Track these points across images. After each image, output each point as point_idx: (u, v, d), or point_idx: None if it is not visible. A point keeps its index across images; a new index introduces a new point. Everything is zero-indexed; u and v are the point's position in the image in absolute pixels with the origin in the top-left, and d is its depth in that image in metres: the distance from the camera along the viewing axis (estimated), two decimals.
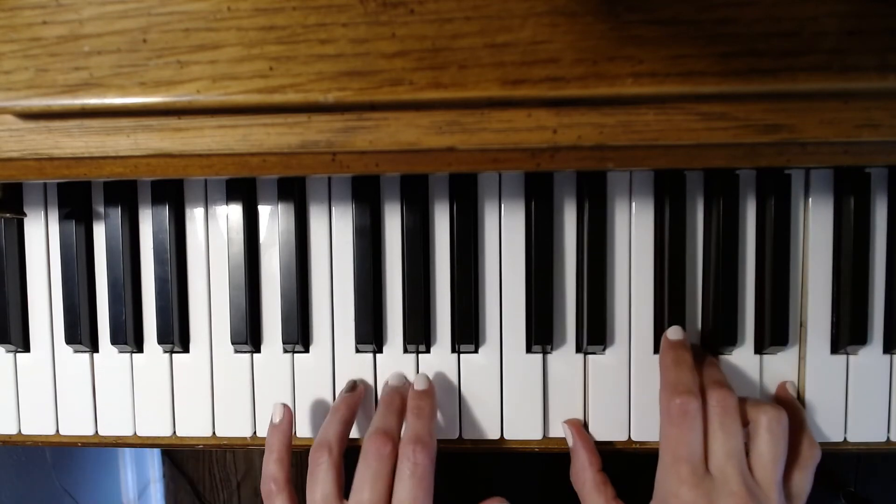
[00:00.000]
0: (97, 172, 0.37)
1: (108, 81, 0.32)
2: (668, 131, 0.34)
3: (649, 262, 0.44)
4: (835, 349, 0.44)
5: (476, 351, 0.45)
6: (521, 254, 0.45)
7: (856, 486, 0.90)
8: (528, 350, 0.45)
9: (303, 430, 0.46)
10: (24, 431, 0.48)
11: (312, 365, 0.46)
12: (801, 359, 0.45)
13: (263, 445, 0.44)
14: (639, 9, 0.31)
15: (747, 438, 0.39)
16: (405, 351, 0.46)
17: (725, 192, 0.43)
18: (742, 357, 0.45)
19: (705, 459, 0.38)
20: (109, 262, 0.46)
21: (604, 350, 0.45)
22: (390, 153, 0.36)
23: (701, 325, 0.45)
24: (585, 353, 0.45)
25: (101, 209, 0.46)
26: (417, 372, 0.46)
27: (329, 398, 0.46)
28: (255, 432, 0.47)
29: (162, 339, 0.46)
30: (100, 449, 1.07)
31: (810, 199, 0.44)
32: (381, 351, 0.46)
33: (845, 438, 0.45)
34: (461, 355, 0.45)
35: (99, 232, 0.47)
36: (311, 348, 0.46)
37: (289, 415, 0.43)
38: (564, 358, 0.45)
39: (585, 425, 0.45)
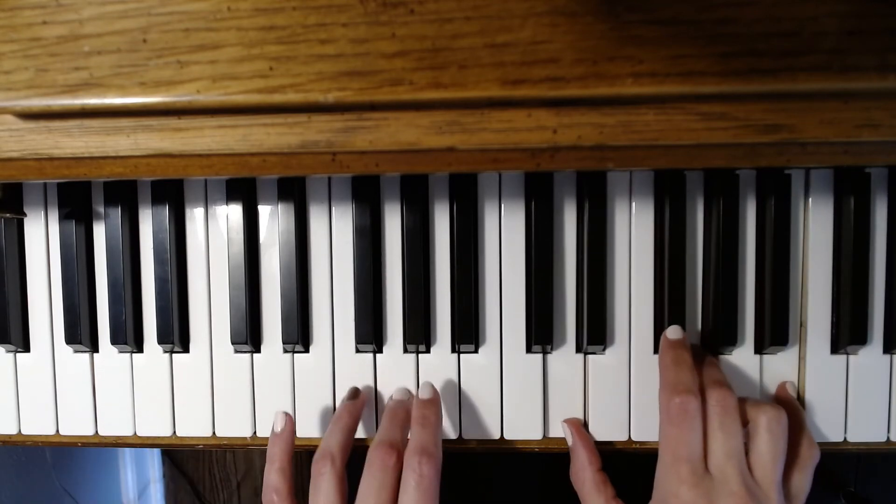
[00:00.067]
0: (97, 172, 0.37)
1: (108, 81, 0.32)
2: (668, 131, 0.34)
3: (649, 261, 0.44)
4: (835, 349, 0.44)
5: (476, 351, 0.45)
6: (521, 254, 0.45)
7: (856, 486, 0.90)
8: (528, 350, 0.45)
9: (303, 430, 0.46)
10: (24, 431, 0.48)
11: (312, 365, 0.46)
12: (801, 359, 0.45)
13: (264, 445, 0.44)
14: (639, 9, 0.31)
15: (747, 438, 0.39)
16: (405, 351, 0.46)
17: (725, 192, 0.43)
18: (742, 357, 0.45)
19: (705, 459, 0.38)
20: (109, 262, 0.46)
21: (604, 350, 0.45)
22: (390, 153, 0.36)
23: (701, 325, 0.45)
24: (585, 353, 0.45)
25: (101, 209, 0.46)
26: (417, 372, 0.46)
27: (329, 398, 0.46)
28: (255, 432, 0.47)
29: (162, 339, 0.46)
30: (100, 449, 1.07)
31: (810, 199, 0.44)
32: (381, 351, 0.46)
33: (845, 438, 0.45)
34: (461, 355, 0.45)
35: (99, 232, 0.47)
36: (311, 348, 0.46)
37: (290, 423, 0.43)
38: (564, 358, 0.45)
39: (585, 425, 0.45)
